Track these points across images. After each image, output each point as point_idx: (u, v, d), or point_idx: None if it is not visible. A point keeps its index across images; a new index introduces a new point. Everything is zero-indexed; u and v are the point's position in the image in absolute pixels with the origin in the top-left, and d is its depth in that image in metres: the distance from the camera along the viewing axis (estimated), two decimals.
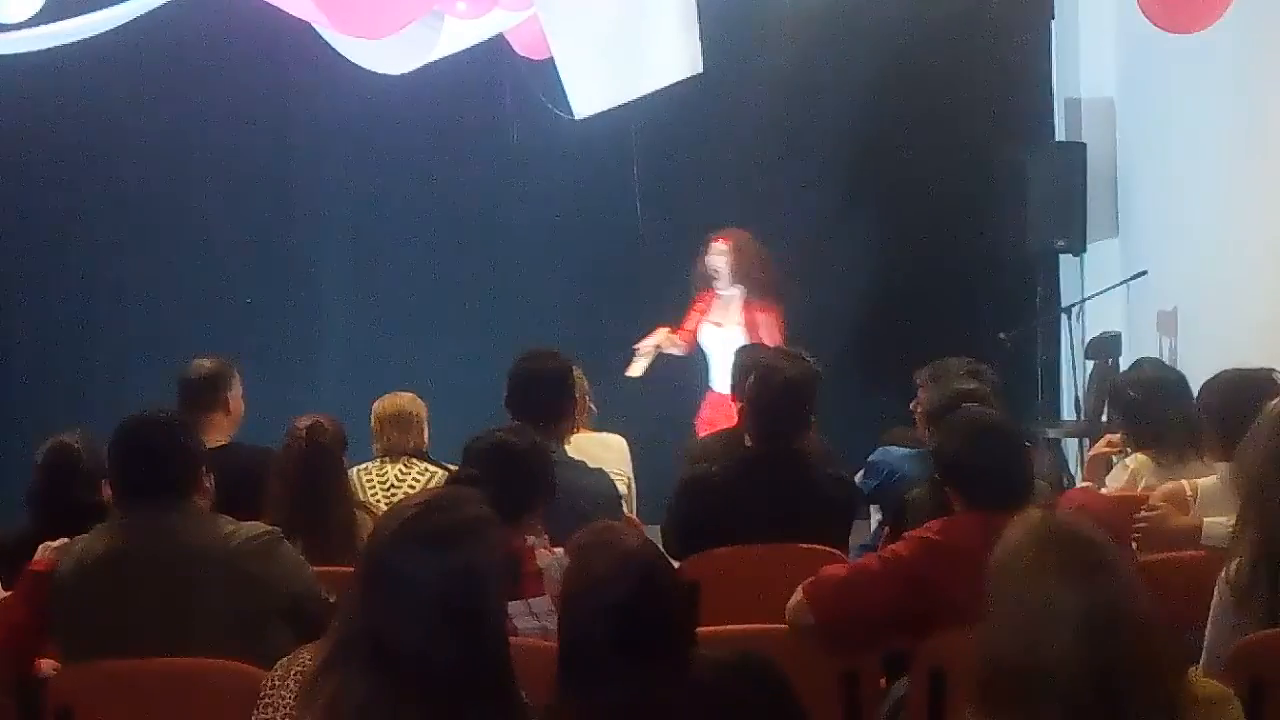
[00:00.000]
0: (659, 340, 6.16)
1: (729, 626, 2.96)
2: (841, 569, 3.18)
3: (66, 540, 3.09)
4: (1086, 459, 4.72)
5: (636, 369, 6.09)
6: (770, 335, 5.95)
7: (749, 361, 4.51)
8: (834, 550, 3.62)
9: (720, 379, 5.95)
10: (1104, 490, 4.09)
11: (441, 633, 2.08)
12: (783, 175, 6.70)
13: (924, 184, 6.77)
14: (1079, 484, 4.76)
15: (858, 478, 4.28)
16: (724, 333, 5.99)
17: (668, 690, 2.17)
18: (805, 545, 3.57)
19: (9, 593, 3.18)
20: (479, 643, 2.11)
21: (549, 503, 3.33)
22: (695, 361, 6.16)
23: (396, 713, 2.05)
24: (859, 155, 6.72)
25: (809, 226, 6.61)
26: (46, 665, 3.05)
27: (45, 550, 3.08)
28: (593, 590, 2.21)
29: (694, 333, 6.20)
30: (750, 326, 5.98)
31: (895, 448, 4.36)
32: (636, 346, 6.12)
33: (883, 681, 3.23)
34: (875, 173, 6.80)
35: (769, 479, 3.79)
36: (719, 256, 6.09)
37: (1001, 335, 6.24)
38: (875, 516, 4.60)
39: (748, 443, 3.95)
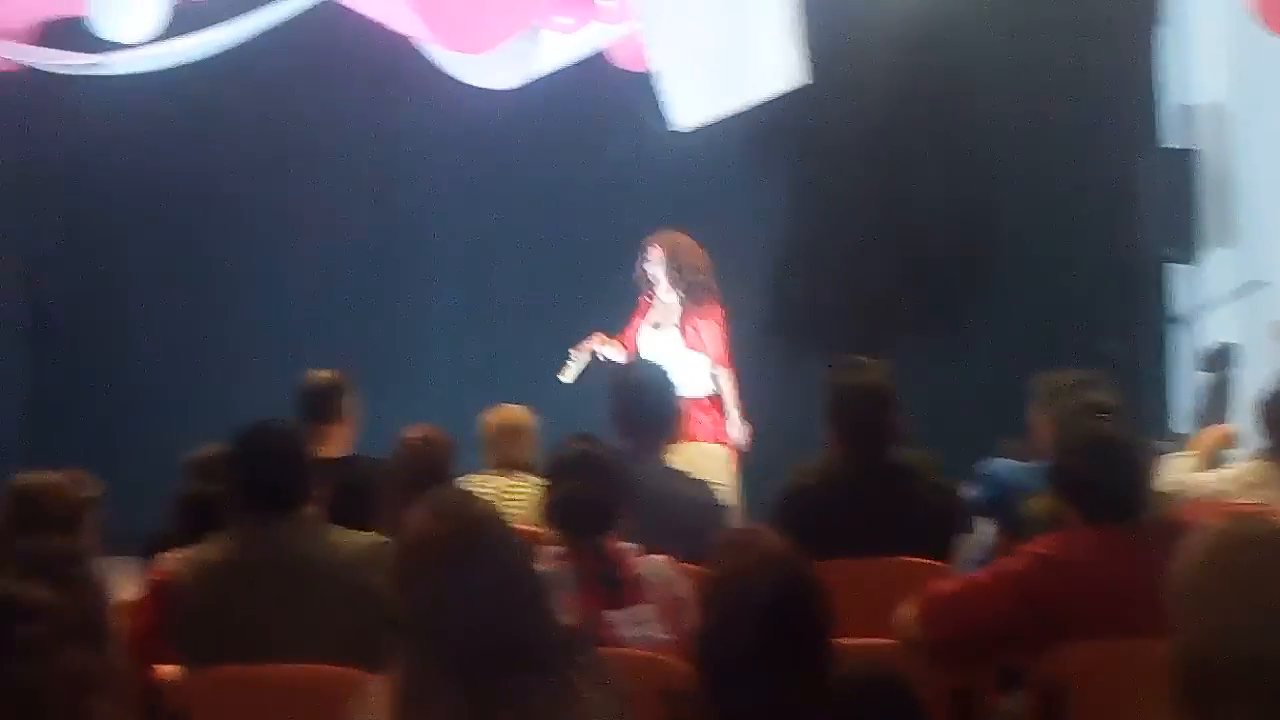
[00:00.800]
0: (594, 344, 6.09)
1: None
2: (953, 583, 3.13)
3: (188, 550, 3.17)
4: (1198, 444, 4.58)
5: (568, 374, 6.03)
6: (711, 341, 5.88)
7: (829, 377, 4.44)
8: (938, 563, 3.58)
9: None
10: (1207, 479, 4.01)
11: (460, 627, 2.09)
12: (888, 183, 6.65)
13: (1030, 192, 6.67)
14: None
15: (967, 489, 4.22)
16: (662, 336, 5.91)
17: (807, 698, 2.16)
18: (908, 558, 3.53)
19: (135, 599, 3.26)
20: (502, 632, 2.11)
21: (631, 511, 3.33)
22: None
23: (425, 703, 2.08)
24: (964, 162, 6.65)
25: (915, 234, 6.55)
26: (167, 671, 3.12)
27: (168, 558, 3.16)
28: (737, 592, 2.20)
29: (632, 338, 6.14)
30: (687, 332, 5.89)
31: (1007, 460, 4.29)
32: (572, 350, 6.08)
33: (995, 698, 3.19)
34: (980, 180, 6.72)
35: (870, 491, 3.75)
36: (653, 262, 6.02)
37: (1109, 346, 6.12)
38: (984, 529, 4.53)
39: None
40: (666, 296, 6.03)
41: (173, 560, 3.20)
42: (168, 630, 3.11)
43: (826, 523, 3.62)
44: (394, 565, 2.19)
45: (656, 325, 6.05)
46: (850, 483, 3.75)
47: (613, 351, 6.12)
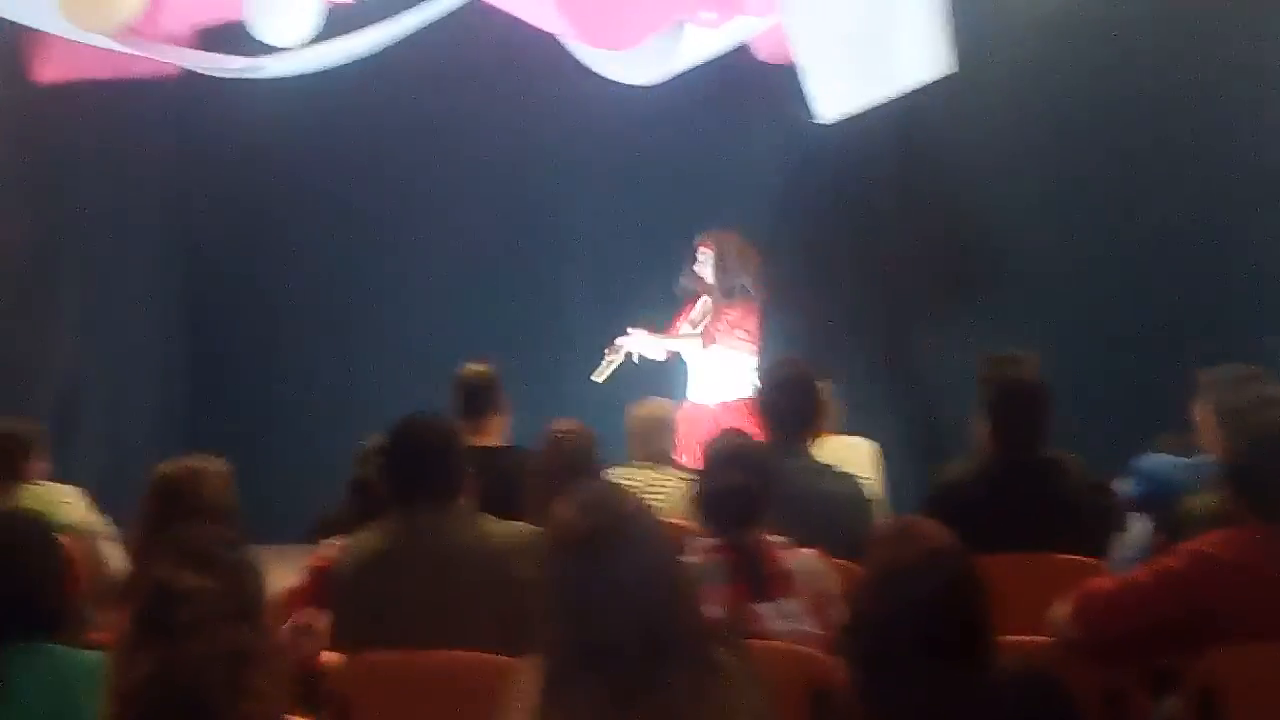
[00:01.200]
0: (630, 346, 6.07)
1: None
2: (1110, 582, 3.06)
3: (346, 537, 3.27)
4: None
5: (602, 375, 6.02)
6: (727, 338, 5.86)
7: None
8: (1091, 561, 3.51)
9: (697, 389, 5.95)
10: None
11: (605, 619, 2.11)
12: (1041, 175, 6.51)
13: (1189, 183, 6.47)
14: None
15: (1121, 485, 4.13)
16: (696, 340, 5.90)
17: (964, 696, 2.13)
18: (1061, 556, 3.47)
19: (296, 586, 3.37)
20: (648, 624, 2.12)
21: (780, 504, 3.33)
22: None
23: (570, 695, 2.11)
24: (1120, 156, 6.47)
25: (1073, 226, 6.40)
26: (327, 657, 3.21)
27: (327, 545, 3.27)
28: (899, 584, 2.19)
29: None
30: (708, 332, 5.88)
31: (1164, 455, 4.18)
32: (606, 350, 6.06)
33: (1146, 700, 3.11)
34: (1139, 173, 6.54)
35: (1021, 487, 3.70)
36: (702, 262, 6.02)
37: (1266, 338, 5.91)
38: (1139, 526, 4.42)
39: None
40: (714, 296, 6.05)
41: (331, 547, 3.31)
42: (327, 614, 3.21)
43: (978, 519, 3.51)
44: (540, 555, 2.23)
45: (694, 324, 6.07)
46: (1003, 479, 3.70)
47: (653, 347, 6.11)
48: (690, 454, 5.47)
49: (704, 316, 6.06)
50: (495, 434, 4.46)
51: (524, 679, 2.30)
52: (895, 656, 2.17)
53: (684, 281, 6.18)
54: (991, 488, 3.69)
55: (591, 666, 2.09)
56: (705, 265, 6.05)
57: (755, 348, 6.01)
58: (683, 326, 6.13)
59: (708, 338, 5.95)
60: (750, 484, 3.16)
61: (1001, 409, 3.75)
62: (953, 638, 2.15)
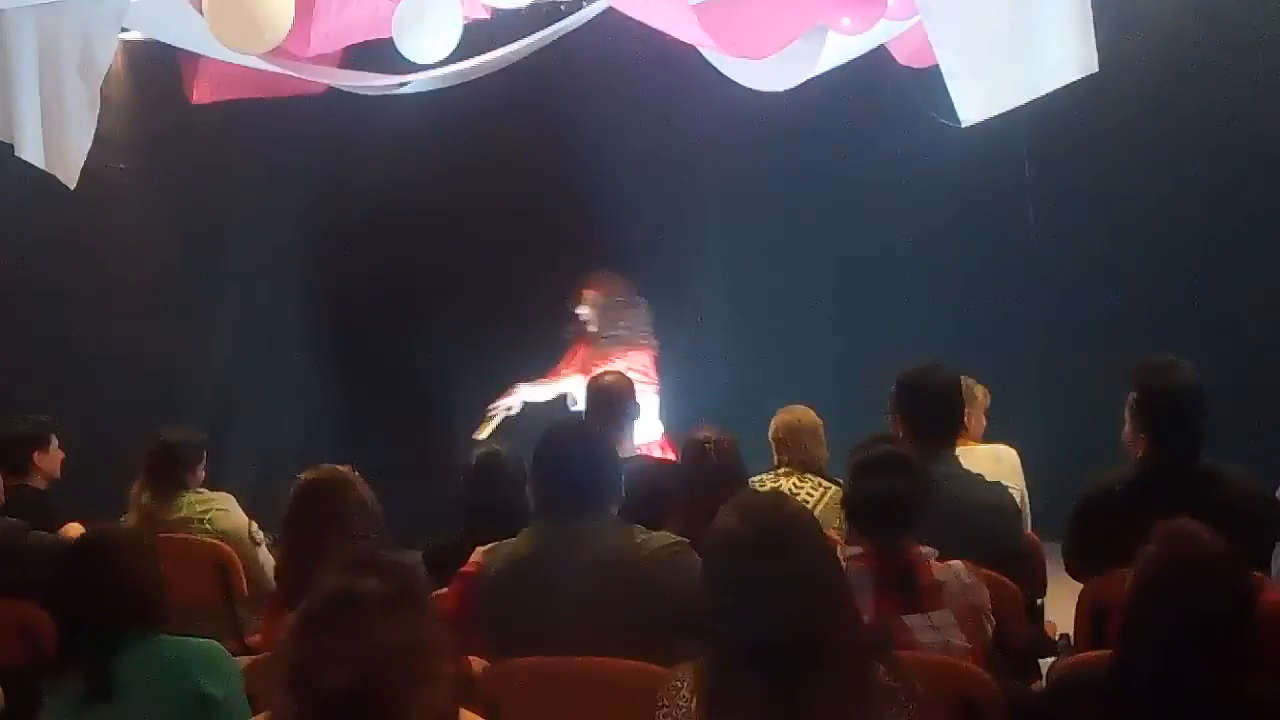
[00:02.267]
0: (510, 403, 6.14)
1: None
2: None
3: (495, 544, 3.32)
4: None
5: (484, 430, 6.06)
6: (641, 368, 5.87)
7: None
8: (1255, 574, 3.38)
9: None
10: None
11: (767, 623, 2.13)
12: (1183, 176, 6.33)
13: None
14: None
15: None
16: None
17: (1228, 705, 2.13)
18: None
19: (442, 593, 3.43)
20: (808, 630, 2.13)
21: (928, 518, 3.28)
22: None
23: (727, 697, 2.12)
24: (1266, 155, 6.26)
25: (1217, 227, 6.21)
26: (475, 663, 3.26)
27: (476, 554, 3.32)
28: (1191, 581, 2.24)
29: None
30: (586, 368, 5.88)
31: None
32: (488, 410, 6.12)
33: None
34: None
35: (1179, 496, 3.57)
36: (585, 307, 6.06)
37: None
38: None
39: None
40: (597, 343, 6.10)
41: (479, 554, 3.35)
42: (473, 621, 3.27)
43: (1133, 528, 3.47)
44: (703, 561, 2.25)
45: (587, 369, 6.03)
46: (1160, 487, 3.58)
47: (542, 391, 6.22)
48: None
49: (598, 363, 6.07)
50: (626, 443, 4.49)
51: (681, 682, 2.31)
52: (1164, 654, 2.20)
53: (570, 327, 6.27)
54: (1147, 496, 3.56)
55: (753, 669, 2.12)
56: (588, 310, 6.14)
57: (655, 387, 6.11)
58: (574, 380, 6.16)
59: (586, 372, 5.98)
60: (905, 491, 3.12)
61: (1161, 414, 3.63)
62: (1219, 646, 2.18)
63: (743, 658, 2.14)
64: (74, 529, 4.73)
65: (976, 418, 4.58)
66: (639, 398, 5.88)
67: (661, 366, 6.30)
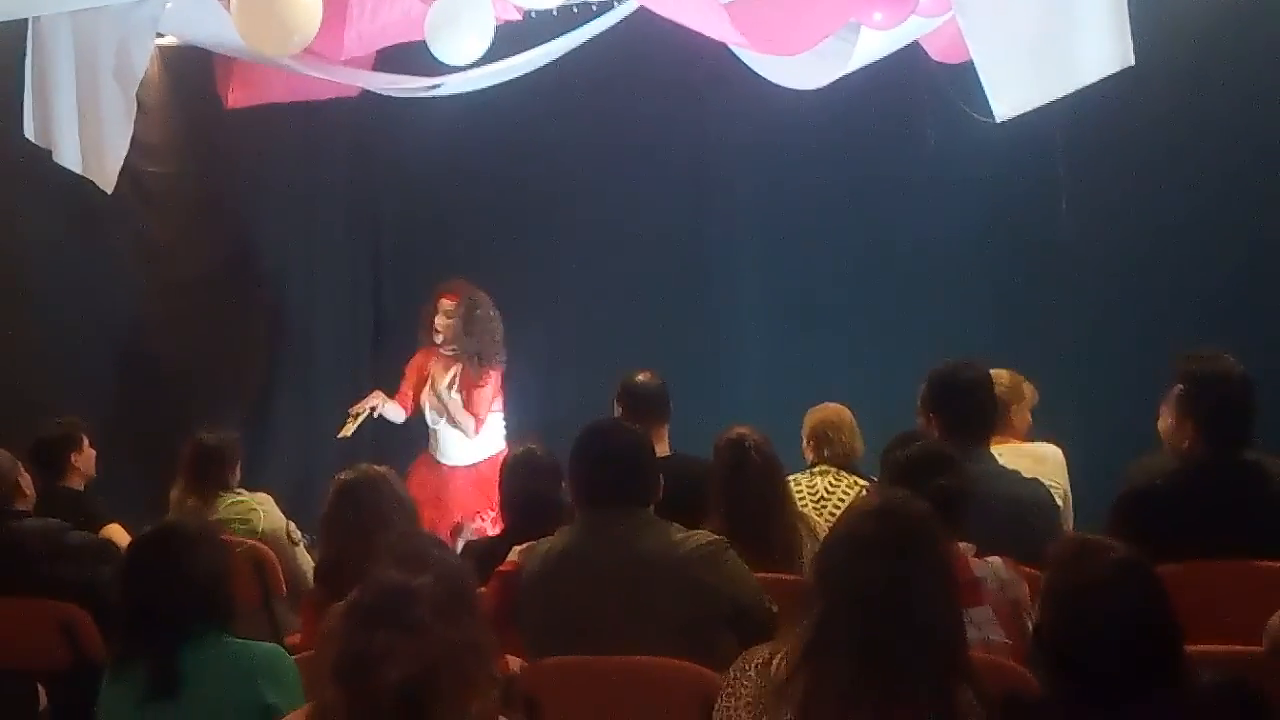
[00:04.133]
0: (374, 403, 6.07)
1: (1197, 646, 2.79)
2: None
3: (532, 543, 3.32)
4: None
5: (347, 430, 6.01)
6: (482, 408, 5.90)
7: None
8: None
9: (446, 451, 6.02)
10: None
11: (892, 631, 2.12)
12: (1223, 171, 6.25)
13: None
14: None
15: None
16: (444, 397, 5.95)
17: (1165, 706, 2.10)
18: (1267, 563, 3.33)
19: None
20: (927, 640, 2.12)
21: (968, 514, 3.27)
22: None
23: (841, 705, 2.11)
24: None
25: (1257, 222, 6.14)
26: (513, 662, 3.28)
27: (513, 552, 3.33)
28: (1091, 596, 2.18)
29: (413, 398, 6.10)
30: (469, 401, 5.90)
31: None
32: (351, 410, 6.06)
33: None
34: None
35: (1221, 492, 3.54)
36: (444, 314, 5.94)
37: None
38: None
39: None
40: (448, 351, 6.01)
41: (517, 552, 3.36)
42: (512, 619, 3.27)
43: (1177, 523, 3.44)
44: (824, 553, 2.27)
45: (437, 385, 6.04)
46: (1205, 481, 3.53)
47: (392, 410, 6.16)
48: (441, 517, 5.67)
49: (450, 387, 6.04)
50: (662, 442, 4.49)
51: (749, 666, 2.32)
52: (1084, 673, 2.15)
53: (421, 331, 6.17)
54: (1192, 490, 3.53)
55: (849, 655, 2.13)
56: (447, 319, 6.00)
57: (502, 407, 6.16)
58: (429, 395, 6.13)
59: (479, 424, 6.03)
60: (947, 489, 3.11)
61: (1208, 406, 3.57)
62: (1144, 652, 2.14)
63: (843, 644, 2.14)
64: (116, 531, 4.78)
65: (1023, 415, 4.55)
66: (492, 417, 6.07)
67: (508, 383, 6.30)
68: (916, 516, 2.27)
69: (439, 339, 6.11)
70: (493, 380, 6.13)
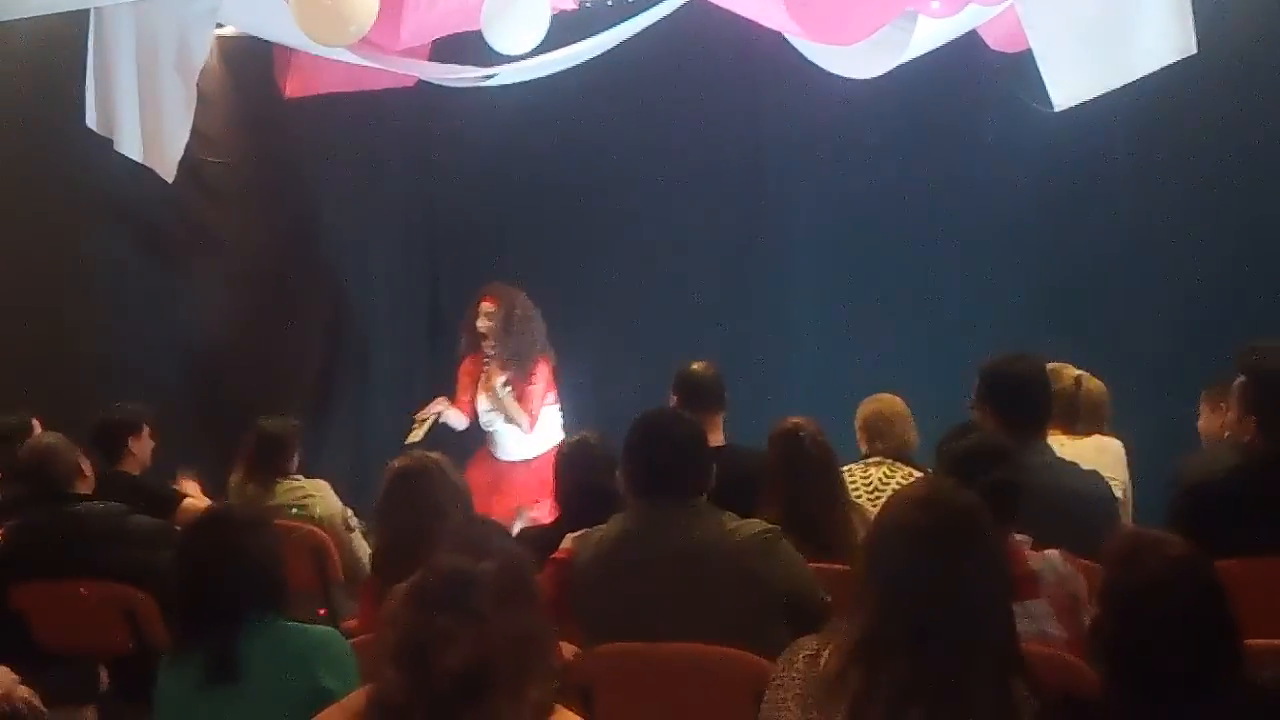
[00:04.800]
0: (439, 409, 6.17)
1: (1258, 641, 2.76)
2: None
3: (585, 530, 3.34)
4: None
5: (414, 436, 6.06)
6: (535, 404, 6.02)
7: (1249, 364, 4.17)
8: None
9: (505, 446, 6.11)
10: None
11: (941, 624, 2.11)
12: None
13: None
14: None
15: None
16: (496, 398, 6.07)
17: (1224, 704, 2.08)
18: None
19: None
20: (978, 633, 2.11)
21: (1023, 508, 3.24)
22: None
23: (890, 700, 2.11)
24: None
25: None
26: (567, 649, 3.29)
27: (567, 540, 3.34)
28: (1149, 595, 2.16)
29: (470, 404, 6.20)
30: (521, 398, 6.02)
31: None
32: (416, 416, 6.15)
33: None
34: None
35: None
36: (485, 317, 6.05)
37: None
38: None
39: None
40: (492, 352, 6.13)
41: (570, 539, 3.38)
42: (566, 606, 3.29)
43: (1236, 518, 3.40)
44: (873, 543, 2.26)
45: (489, 386, 6.14)
46: (1265, 476, 3.49)
47: (454, 417, 6.27)
48: (503, 512, 5.69)
49: (505, 385, 6.14)
50: (717, 432, 4.49)
51: (798, 656, 2.31)
52: (1143, 671, 2.13)
53: (465, 336, 6.28)
54: (1252, 485, 3.49)
55: (902, 651, 2.12)
56: (489, 321, 6.11)
57: (557, 400, 6.24)
58: (484, 402, 6.23)
59: (533, 420, 6.13)
60: (1003, 482, 3.08)
61: (1267, 401, 3.54)
62: (1202, 651, 2.11)
63: (896, 640, 2.13)
64: (191, 496, 4.86)
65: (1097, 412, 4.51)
66: (548, 411, 6.18)
67: (563, 376, 6.38)
68: (962, 506, 2.24)
69: (485, 342, 6.23)
70: (542, 375, 6.20)
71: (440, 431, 6.35)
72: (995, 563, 2.24)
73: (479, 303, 6.22)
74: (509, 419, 6.19)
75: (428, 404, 6.33)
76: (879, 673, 2.12)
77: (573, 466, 4.07)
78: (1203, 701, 2.11)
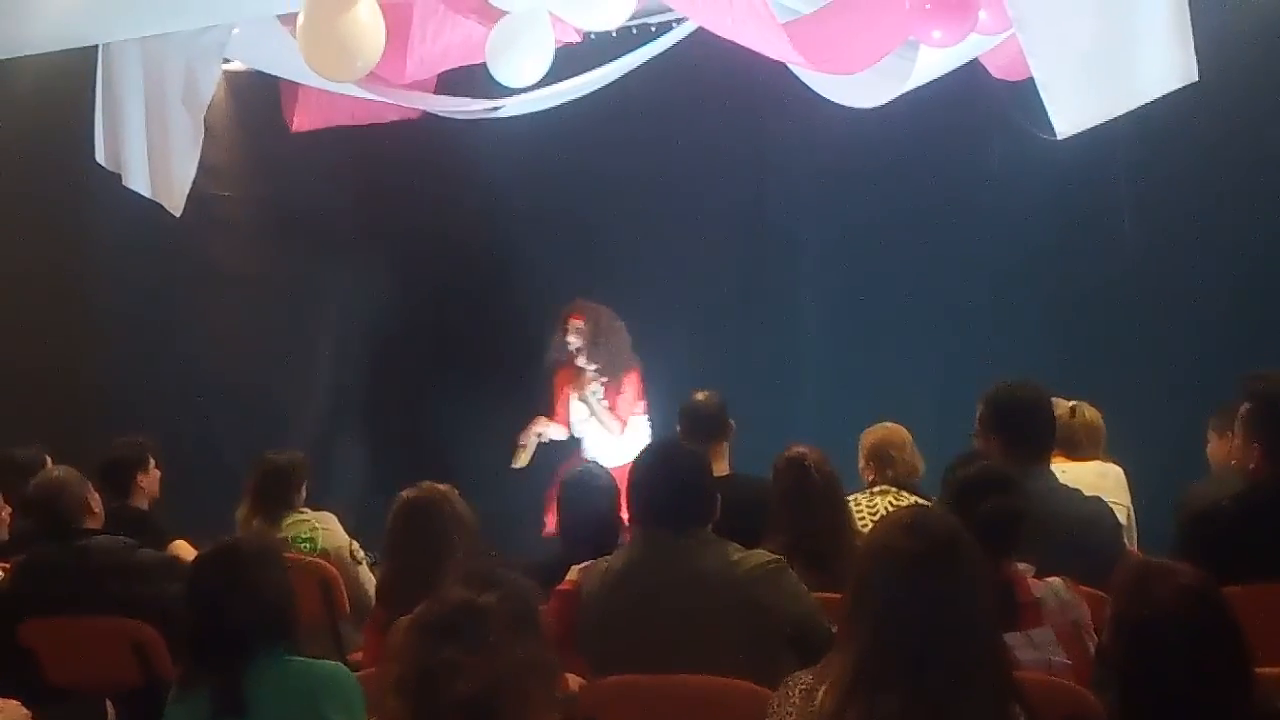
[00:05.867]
0: (540, 429, 6.34)
1: (1266, 670, 2.75)
2: None
3: (590, 562, 3.34)
4: None
5: (520, 460, 6.28)
6: (625, 410, 6.18)
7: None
8: None
9: (597, 455, 6.10)
10: None
11: (926, 650, 2.09)
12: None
13: None
14: None
15: None
16: (588, 408, 6.24)
17: None
18: None
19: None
20: (964, 658, 2.10)
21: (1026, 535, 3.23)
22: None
23: None
24: None
25: None
26: (573, 680, 3.28)
27: (572, 571, 3.34)
28: (1159, 625, 2.15)
29: (565, 416, 6.37)
30: (613, 406, 6.19)
31: None
32: (519, 441, 6.33)
33: None
34: None
35: None
36: (573, 333, 6.22)
37: None
38: None
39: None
40: (584, 364, 6.29)
41: (575, 571, 3.38)
42: (572, 638, 3.28)
43: (1243, 545, 3.39)
44: (861, 570, 2.24)
45: (582, 397, 6.32)
46: (1271, 503, 3.47)
47: (556, 431, 6.45)
48: None
49: (595, 395, 6.33)
50: (722, 461, 4.49)
51: (792, 690, 2.30)
52: (1154, 700, 2.13)
53: (554, 354, 6.44)
54: (1259, 512, 3.48)
55: (898, 683, 2.10)
56: (577, 338, 6.29)
57: (645, 410, 6.38)
58: (577, 408, 6.42)
59: (622, 425, 6.30)
60: (1008, 511, 3.08)
61: (1276, 427, 3.52)
62: (1213, 680, 2.10)
63: (887, 672, 2.11)
64: (182, 546, 4.85)
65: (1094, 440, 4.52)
66: (636, 420, 6.35)
67: (647, 384, 6.49)
68: (946, 531, 2.22)
69: (576, 358, 6.42)
70: (632, 383, 6.40)
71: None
72: (981, 588, 2.20)
73: (567, 319, 6.42)
74: (601, 425, 6.38)
75: (528, 427, 6.50)
76: (873, 709, 2.11)
77: (576, 496, 4.07)
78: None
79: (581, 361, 6.37)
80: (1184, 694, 2.11)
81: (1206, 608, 2.19)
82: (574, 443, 6.55)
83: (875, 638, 2.14)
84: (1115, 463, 4.50)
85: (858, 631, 2.19)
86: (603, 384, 6.37)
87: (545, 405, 6.72)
